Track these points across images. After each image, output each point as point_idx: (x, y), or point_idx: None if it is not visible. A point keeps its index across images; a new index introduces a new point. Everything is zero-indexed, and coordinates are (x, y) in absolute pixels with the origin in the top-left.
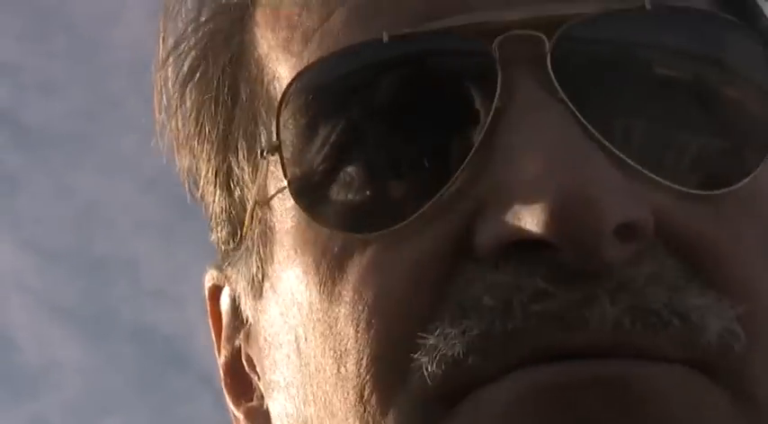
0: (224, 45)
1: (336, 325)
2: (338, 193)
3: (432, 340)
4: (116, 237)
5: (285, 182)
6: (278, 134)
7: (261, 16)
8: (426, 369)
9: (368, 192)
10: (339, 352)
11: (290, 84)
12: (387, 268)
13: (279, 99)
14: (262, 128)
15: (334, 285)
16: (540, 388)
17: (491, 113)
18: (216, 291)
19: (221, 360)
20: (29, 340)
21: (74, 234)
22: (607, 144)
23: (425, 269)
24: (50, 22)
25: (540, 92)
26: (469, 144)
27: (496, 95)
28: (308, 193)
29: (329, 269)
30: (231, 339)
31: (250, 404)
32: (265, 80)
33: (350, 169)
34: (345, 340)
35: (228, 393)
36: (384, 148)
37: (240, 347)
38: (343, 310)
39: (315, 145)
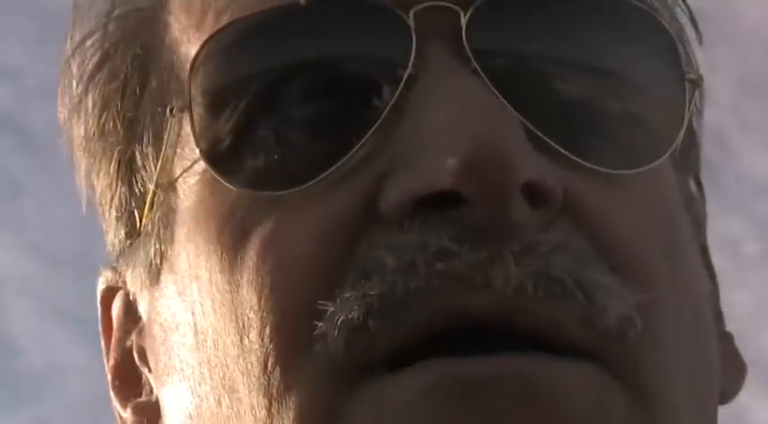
0: (133, 37)
1: (238, 293)
2: (247, 152)
3: (333, 307)
4: None
5: (190, 161)
6: (189, 92)
7: (174, 4)
8: (328, 338)
9: (277, 152)
10: (241, 322)
11: (202, 46)
12: (292, 232)
13: (191, 61)
14: (173, 97)
15: (236, 251)
16: (444, 382)
17: (403, 79)
18: (108, 296)
19: (110, 364)
20: (32, 344)
21: (78, 239)
22: (518, 115)
23: (331, 233)
24: (55, 26)
25: (453, 61)
26: (381, 108)
27: (410, 63)
28: (217, 151)
29: (232, 235)
30: (122, 341)
31: (138, 400)
32: (176, 62)
33: (259, 129)
34: (248, 309)
35: (116, 396)
36: (294, 109)
37: (131, 346)
38: (245, 276)
39: (225, 104)
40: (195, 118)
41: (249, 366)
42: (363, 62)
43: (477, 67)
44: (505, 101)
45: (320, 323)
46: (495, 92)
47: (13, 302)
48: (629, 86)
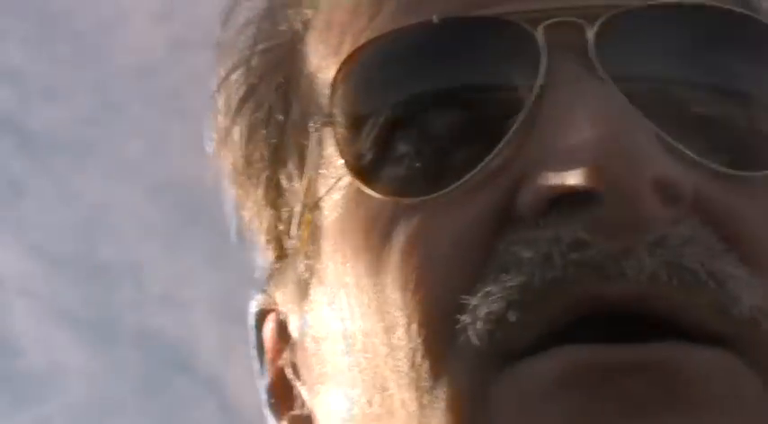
0: (275, 69)
1: (384, 294)
2: (389, 163)
3: (475, 301)
4: (121, 242)
5: (333, 179)
6: (331, 107)
7: (312, 36)
8: (471, 330)
9: (417, 161)
10: (388, 322)
11: (341, 65)
12: (433, 233)
13: (332, 79)
14: (314, 119)
15: (380, 255)
16: (584, 366)
17: (535, 90)
18: (261, 319)
19: (265, 383)
20: (33, 345)
21: (78, 240)
22: (647, 120)
23: (471, 233)
24: (55, 27)
25: (582, 71)
26: (514, 118)
27: (540, 73)
28: (360, 163)
29: (376, 240)
30: (275, 360)
31: (292, 413)
32: (316, 88)
33: (399, 140)
34: (393, 308)
35: (273, 413)
36: (432, 120)
37: (284, 364)
38: (390, 277)
39: (365, 118)
40: (338, 133)
41: (398, 363)
42: (496, 75)
43: (606, 76)
44: (635, 107)
45: (463, 317)
46: (624, 97)
47: (13, 302)
48: (752, 94)
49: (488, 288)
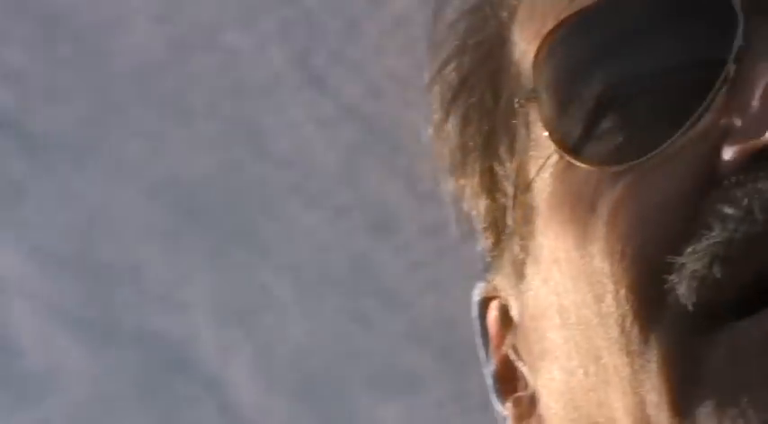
0: (485, 60)
1: (592, 263)
2: (593, 133)
3: (682, 259)
4: (121, 243)
5: (543, 159)
6: (535, 84)
7: (517, 25)
8: (678, 290)
9: (620, 131)
10: (597, 290)
11: (544, 38)
12: (638, 198)
13: (533, 56)
14: (521, 94)
15: (586, 226)
16: None
17: (734, 53)
18: (484, 307)
19: (491, 370)
20: (33, 345)
21: (79, 240)
22: None
23: (676, 196)
24: (56, 28)
25: None
26: (715, 82)
27: (738, 35)
28: (565, 134)
29: (582, 211)
30: (499, 347)
31: (516, 395)
32: (523, 72)
33: (603, 111)
34: (602, 276)
35: (499, 398)
36: (635, 89)
37: (507, 349)
38: (596, 246)
39: (567, 87)
40: (542, 109)
41: (608, 331)
42: (695, 41)
43: None
44: None
45: (671, 277)
46: None
47: (13, 302)
48: None
49: (694, 246)
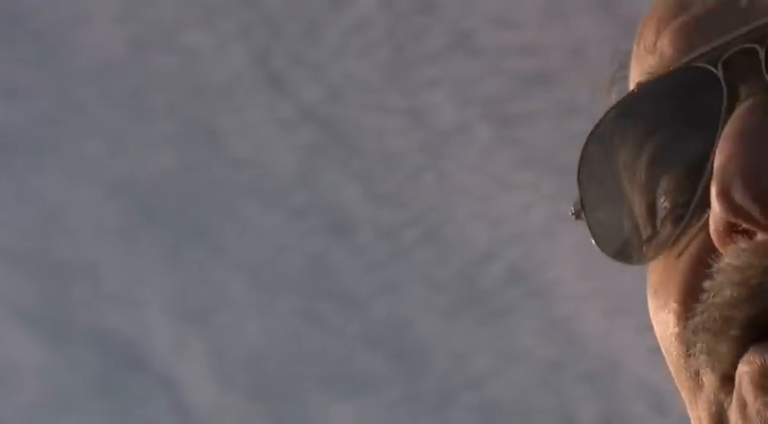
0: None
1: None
2: (616, 225)
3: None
4: (77, 241)
5: None
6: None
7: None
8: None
9: (639, 226)
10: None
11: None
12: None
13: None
14: None
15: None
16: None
17: (719, 127)
18: None
19: None
20: None
21: (35, 238)
22: None
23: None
24: (15, 28)
25: (759, 97)
26: (705, 166)
27: (723, 107)
28: (605, 236)
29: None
30: None
31: None
32: None
33: (623, 202)
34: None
35: None
36: (645, 178)
37: None
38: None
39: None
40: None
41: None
42: (690, 122)
43: None
44: None
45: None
46: None
47: None
48: None
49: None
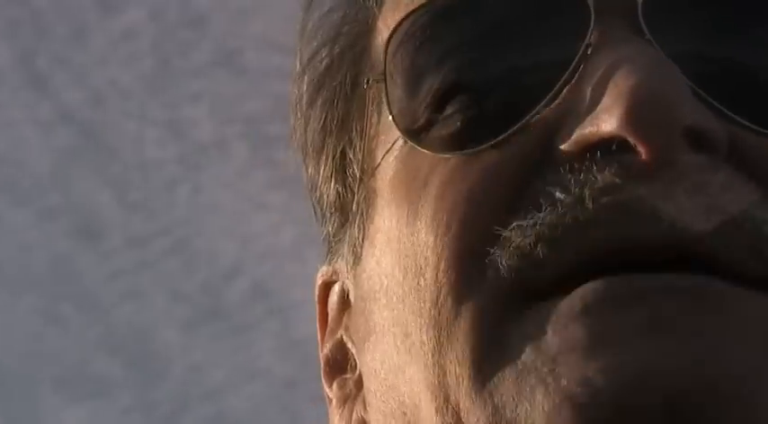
0: (350, 47)
1: (418, 238)
2: (435, 117)
3: (506, 233)
4: None
5: (389, 144)
6: (384, 66)
7: (383, 12)
8: (501, 263)
9: (464, 117)
10: (419, 265)
11: (397, 24)
12: (467, 175)
13: (386, 38)
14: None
15: (417, 203)
16: (612, 292)
17: (581, 50)
18: (325, 290)
19: (323, 353)
20: None
21: None
22: (684, 76)
23: (506, 171)
24: None
25: (629, 33)
26: (560, 74)
27: (587, 35)
28: (408, 119)
29: (415, 191)
30: (335, 331)
31: (342, 376)
32: (380, 56)
33: (445, 98)
34: (425, 250)
35: (326, 381)
36: (480, 79)
37: (342, 332)
38: (424, 221)
39: (414, 72)
40: (389, 92)
41: (421, 305)
42: (546, 36)
43: (652, 39)
44: (677, 66)
45: (493, 250)
46: (667, 58)
47: None
48: None
49: (521, 223)
